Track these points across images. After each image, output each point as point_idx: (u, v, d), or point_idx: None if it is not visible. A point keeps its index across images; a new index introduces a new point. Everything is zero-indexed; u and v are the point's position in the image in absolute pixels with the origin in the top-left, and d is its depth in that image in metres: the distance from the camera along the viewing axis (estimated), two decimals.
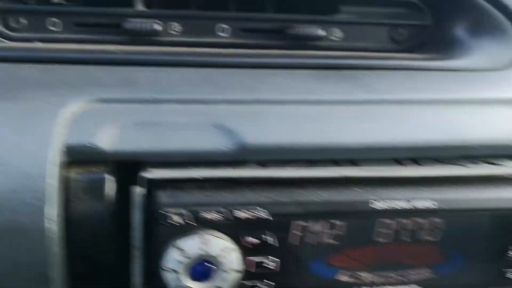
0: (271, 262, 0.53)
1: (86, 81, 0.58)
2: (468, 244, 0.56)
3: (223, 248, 0.51)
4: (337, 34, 0.75)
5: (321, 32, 0.73)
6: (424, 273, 0.57)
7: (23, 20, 0.71)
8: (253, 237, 0.52)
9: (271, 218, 0.52)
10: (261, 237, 0.52)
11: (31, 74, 0.58)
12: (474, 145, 0.57)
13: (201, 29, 0.73)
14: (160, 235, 0.51)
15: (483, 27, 0.72)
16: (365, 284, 0.56)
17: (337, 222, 0.53)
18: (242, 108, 0.56)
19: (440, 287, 0.58)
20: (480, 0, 0.72)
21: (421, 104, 0.60)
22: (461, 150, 0.57)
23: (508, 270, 0.59)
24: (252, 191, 0.53)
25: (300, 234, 0.53)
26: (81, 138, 0.51)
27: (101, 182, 0.52)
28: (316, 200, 0.53)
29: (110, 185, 0.52)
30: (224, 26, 0.73)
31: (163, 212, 0.51)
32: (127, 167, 0.53)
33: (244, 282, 0.53)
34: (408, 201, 0.54)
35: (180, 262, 0.51)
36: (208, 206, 0.52)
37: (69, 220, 0.51)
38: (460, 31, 0.73)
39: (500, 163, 0.59)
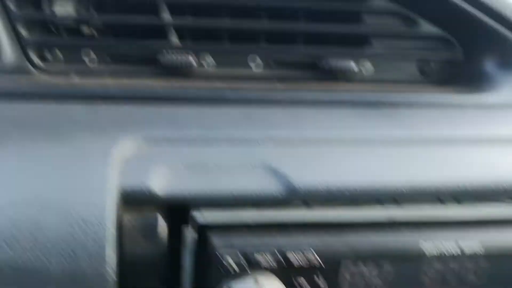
0: None
1: (132, 119, 0.58)
2: None
3: None
4: (367, 67, 0.76)
5: (352, 65, 0.74)
6: None
7: (58, 53, 0.71)
8: (304, 280, 0.53)
9: (321, 261, 0.53)
10: (313, 280, 0.53)
11: (77, 113, 0.59)
12: None
13: (234, 61, 0.73)
14: (213, 277, 0.52)
15: None
16: None
17: (387, 265, 0.54)
18: (288, 148, 0.57)
19: None
20: (510, 35, 0.73)
21: (462, 143, 0.61)
22: (505, 191, 0.58)
23: None
24: (302, 234, 0.54)
25: (350, 277, 0.54)
26: (135, 182, 0.52)
27: (154, 225, 0.52)
28: (366, 243, 0.54)
29: (162, 228, 0.53)
30: (256, 58, 0.74)
31: (216, 255, 0.51)
32: (178, 206, 0.54)
33: None
34: (456, 242, 0.55)
35: None
36: (261, 248, 0.52)
37: (123, 262, 0.52)
38: (490, 65, 0.75)
39: None
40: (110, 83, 0.68)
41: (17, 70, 0.68)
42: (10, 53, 0.68)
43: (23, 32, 0.68)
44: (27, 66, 0.68)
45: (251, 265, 0.52)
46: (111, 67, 0.71)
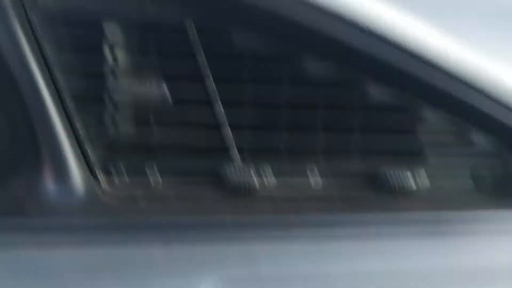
0: None
1: (207, 258, 0.59)
2: None
3: None
4: (423, 178, 0.75)
5: (410, 180, 0.73)
6: None
7: (123, 177, 0.72)
8: None
9: None
10: None
11: (156, 255, 0.60)
12: None
13: (293, 171, 0.73)
14: None
15: None
16: None
17: None
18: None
19: None
20: None
21: None
22: None
23: None
24: None
25: None
26: None
27: None
28: None
29: None
30: (315, 169, 0.73)
31: None
32: None
33: None
34: None
35: None
36: None
37: None
38: None
39: None
40: (177, 208, 0.68)
41: (86, 195, 0.68)
42: (77, 174, 0.69)
43: (90, 152, 0.69)
44: (95, 190, 0.69)
45: None
46: (176, 189, 0.71)
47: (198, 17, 0.64)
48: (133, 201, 0.69)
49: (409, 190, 0.74)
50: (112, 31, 0.66)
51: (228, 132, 0.69)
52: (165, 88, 0.67)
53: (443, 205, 0.73)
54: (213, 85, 0.67)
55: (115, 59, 0.67)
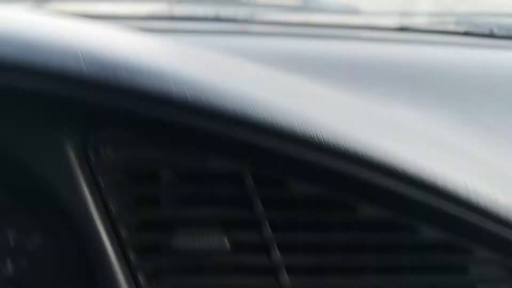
0: None
1: None
2: None
3: None
4: None
5: None
6: None
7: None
8: None
9: None
10: None
11: None
12: None
13: None
14: None
15: None
16: None
17: None
18: None
19: None
20: None
21: None
22: None
23: None
24: None
25: None
26: None
27: None
28: None
29: None
30: None
31: None
32: None
33: None
34: None
35: None
36: None
37: None
38: None
39: None
40: None
41: None
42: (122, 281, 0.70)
43: (133, 257, 0.69)
44: None
45: None
46: None
47: (254, 168, 0.67)
48: None
49: None
50: (170, 181, 0.69)
51: (285, 277, 0.70)
52: (223, 236, 0.69)
53: None
54: (270, 231, 0.69)
55: (175, 209, 0.69)
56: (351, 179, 0.66)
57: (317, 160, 0.65)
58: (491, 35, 1.18)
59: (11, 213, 0.71)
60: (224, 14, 1.19)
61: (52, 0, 1.14)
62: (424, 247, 0.71)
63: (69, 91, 0.63)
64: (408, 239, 0.71)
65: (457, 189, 0.66)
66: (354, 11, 1.29)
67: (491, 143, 0.84)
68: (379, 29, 1.27)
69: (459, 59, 1.07)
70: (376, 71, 0.96)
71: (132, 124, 0.66)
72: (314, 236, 0.70)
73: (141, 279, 0.68)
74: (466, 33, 1.23)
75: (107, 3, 1.19)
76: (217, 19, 1.19)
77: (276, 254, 0.70)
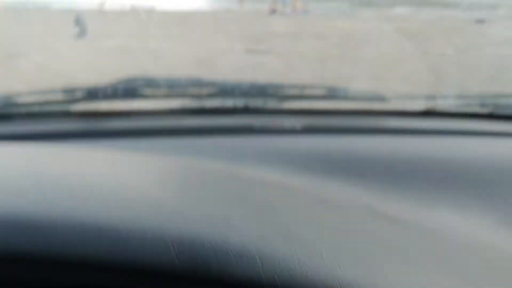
0: None
1: None
2: None
3: None
4: None
5: None
6: None
7: None
8: None
9: None
10: None
11: None
12: None
13: None
14: None
15: None
16: None
17: None
18: None
19: None
20: None
21: None
22: None
23: None
24: None
25: None
26: None
27: None
28: None
29: None
30: None
31: None
32: None
33: None
34: None
35: None
36: None
37: None
38: None
39: None
40: None
41: None
42: None
43: None
44: None
45: None
46: None
47: None
48: None
49: None
50: None
51: None
52: None
53: None
54: None
55: None
56: None
57: None
58: None
59: None
60: (253, 105, 1.21)
61: (81, 100, 1.17)
62: None
63: None
64: None
65: None
66: (381, 98, 1.30)
67: None
68: (405, 114, 1.28)
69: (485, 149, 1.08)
70: (405, 166, 0.97)
71: None
72: None
73: None
74: (491, 115, 1.24)
75: (138, 100, 1.21)
76: (246, 110, 1.21)
77: None
